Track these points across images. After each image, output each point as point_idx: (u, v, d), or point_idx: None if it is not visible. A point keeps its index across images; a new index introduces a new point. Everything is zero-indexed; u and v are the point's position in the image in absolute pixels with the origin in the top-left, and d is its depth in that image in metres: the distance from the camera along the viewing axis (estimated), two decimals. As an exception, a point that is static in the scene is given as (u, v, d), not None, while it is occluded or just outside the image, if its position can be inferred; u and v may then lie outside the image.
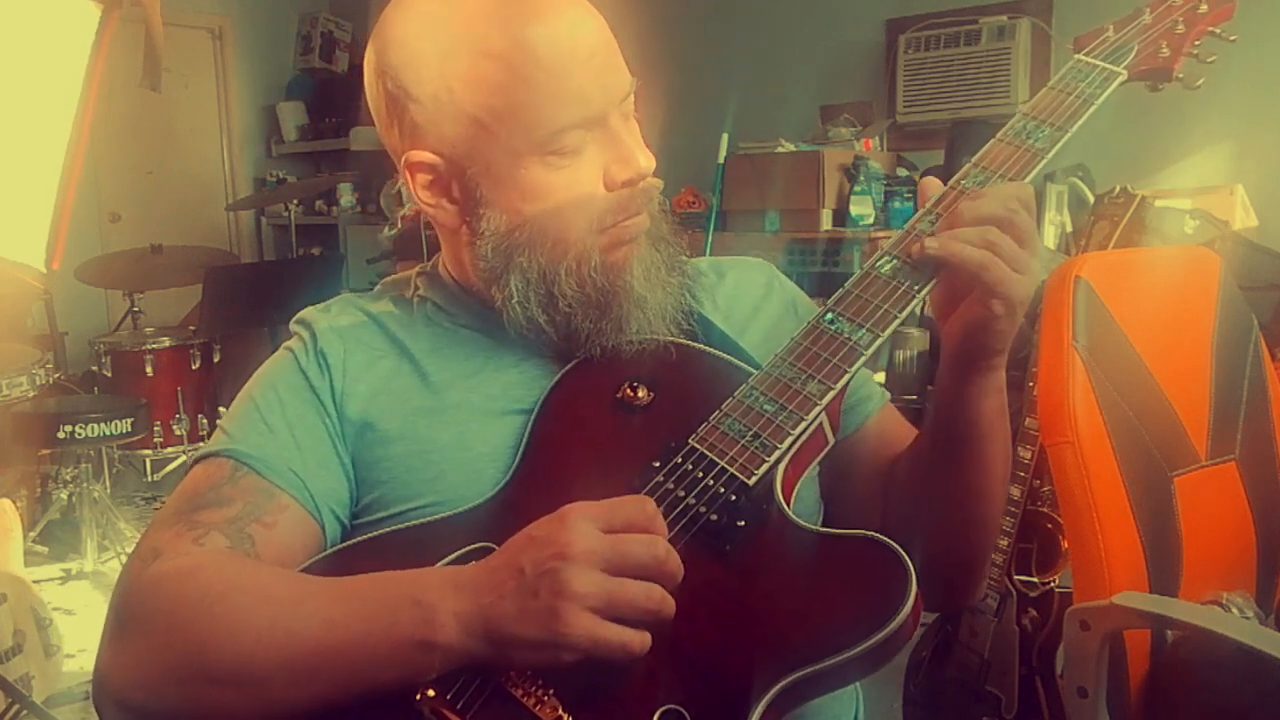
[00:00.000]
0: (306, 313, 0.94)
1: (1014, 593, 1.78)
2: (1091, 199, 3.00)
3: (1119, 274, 1.43)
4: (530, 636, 0.65)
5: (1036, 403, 1.40)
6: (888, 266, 0.83)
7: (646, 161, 0.86)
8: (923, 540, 0.86)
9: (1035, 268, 0.79)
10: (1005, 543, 1.77)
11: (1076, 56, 0.93)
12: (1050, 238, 3.13)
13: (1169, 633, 1.36)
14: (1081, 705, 1.25)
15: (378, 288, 1.00)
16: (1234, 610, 1.37)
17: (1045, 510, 1.78)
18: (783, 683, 0.67)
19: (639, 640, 0.65)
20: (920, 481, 0.89)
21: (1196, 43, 0.95)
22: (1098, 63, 0.92)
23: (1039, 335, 1.37)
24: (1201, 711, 1.30)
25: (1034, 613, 1.76)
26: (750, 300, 1.01)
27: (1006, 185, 0.83)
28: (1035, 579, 1.78)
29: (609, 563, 0.65)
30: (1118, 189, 1.87)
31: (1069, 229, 3.16)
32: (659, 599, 0.66)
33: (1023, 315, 0.79)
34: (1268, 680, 1.15)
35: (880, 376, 3.32)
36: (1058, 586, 1.75)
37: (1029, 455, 1.74)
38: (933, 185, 0.86)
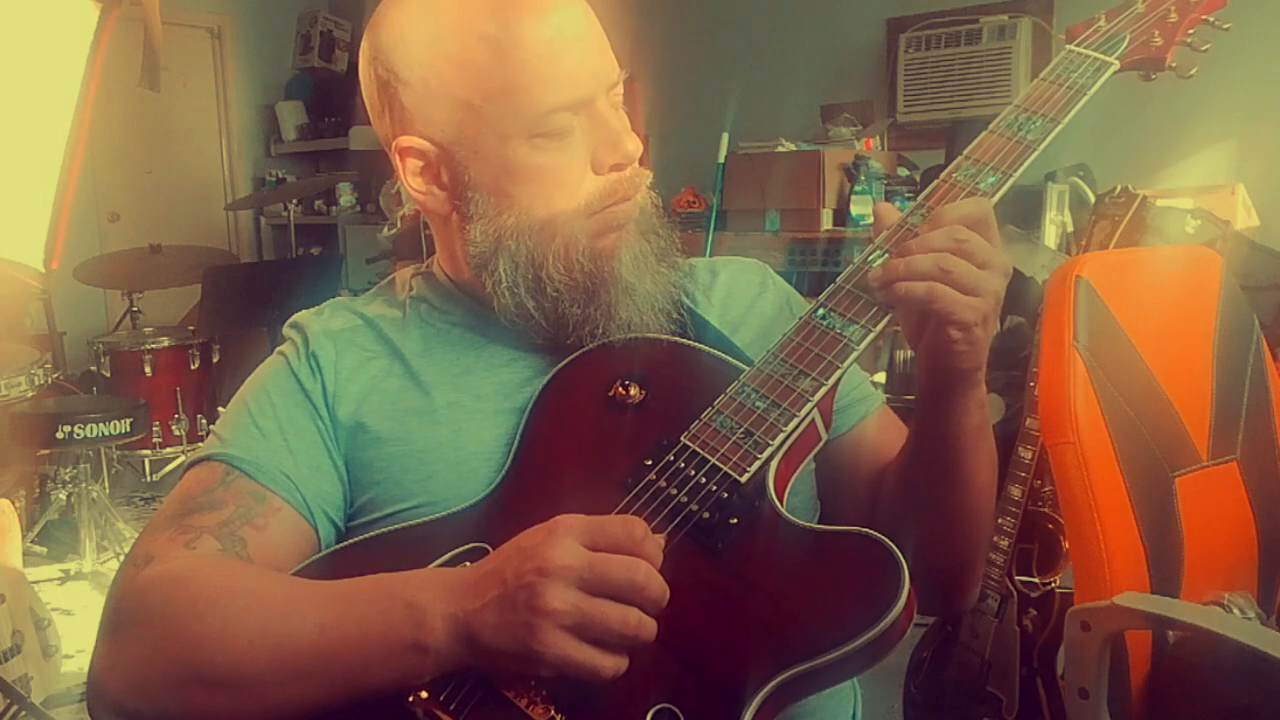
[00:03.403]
0: (299, 316, 0.95)
1: (1015, 593, 1.77)
2: (1092, 198, 2.99)
3: (1120, 274, 1.42)
4: (506, 648, 0.65)
5: (1037, 403, 1.39)
6: (879, 261, 0.82)
7: (634, 146, 0.86)
8: (911, 549, 0.86)
9: (994, 284, 0.77)
10: (1006, 543, 1.76)
11: (1068, 47, 0.93)
12: (1051, 237, 3.12)
13: (1170, 633, 1.36)
14: (1082, 706, 1.24)
15: (372, 290, 1.00)
16: (1235, 611, 1.37)
17: (1046, 510, 1.77)
18: (776, 680, 0.67)
19: (610, 664, 0.65)
20: (905, 494, 0.88)
21: (1189, 31, 0.95)
22: (1090, 53, 0.92)
23: (1040, 335, 1.37)
24: (1203, 712, 1.29)
25: (1035, 613, 1.76)
26: (745, 298, 1.01)
27: (959, 205, 0.80)
28: (1036, 579, 1.77)
29: (585, 581, 0.65)
30: (1119, 189, 1.87)
31: (1070, 229, 3.15)
32: (635, 624, 0.65)
33: (988, 333, 0.78)
34: (1269, 681, 1.15)
35: (880, 376, 3.32)
36: (1059, 587, 1.74)
37: (1029, 455, 1.73)
38: (887, 213, 0.84)
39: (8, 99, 2.50)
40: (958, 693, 1.83)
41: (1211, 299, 1.50)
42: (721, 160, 3.80)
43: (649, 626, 0.66)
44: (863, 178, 3.53)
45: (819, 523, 0.93)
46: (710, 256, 1.08)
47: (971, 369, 0.80)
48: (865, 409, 0.98)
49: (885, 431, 0.98)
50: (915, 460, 0.87)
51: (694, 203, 3.91)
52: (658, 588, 0.66)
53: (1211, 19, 0.96)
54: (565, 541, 0.66)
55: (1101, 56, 0.91)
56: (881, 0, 4.01)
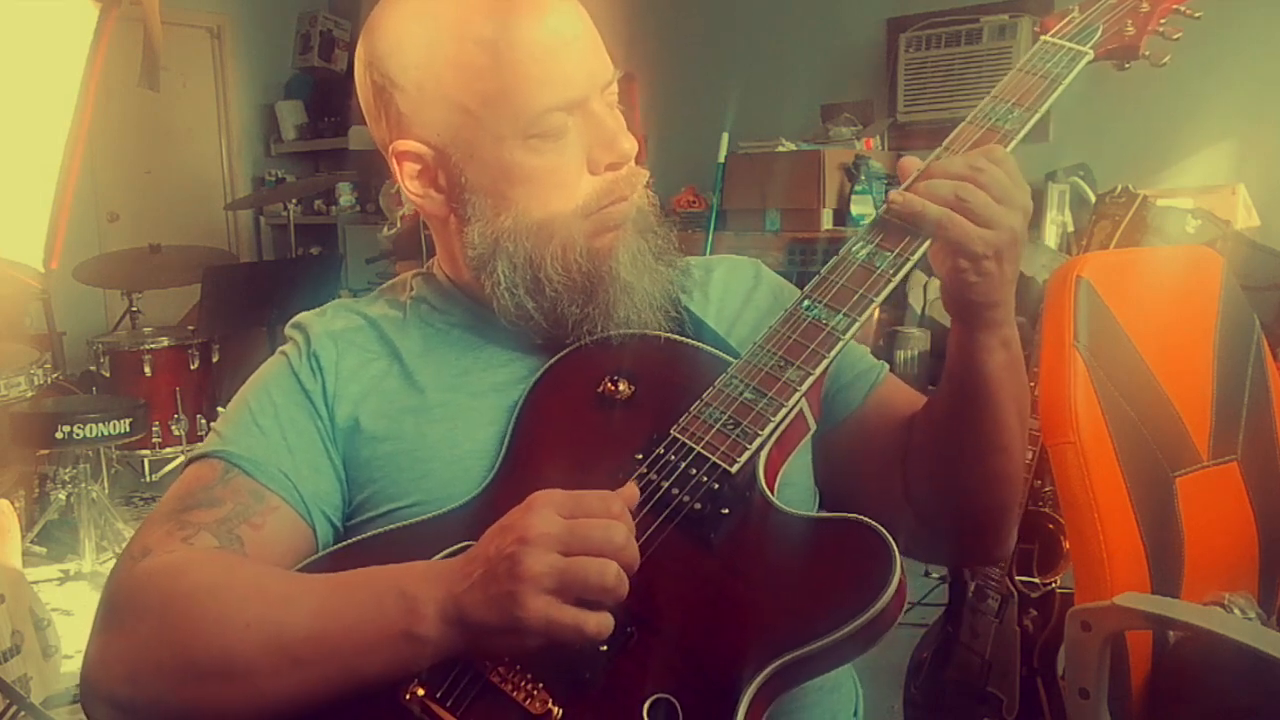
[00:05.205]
0: (301, 317, 0.95)
1: (1015, 593, 1.77)
2: (1093, 198, 2.99)
3: (1121, 274, 1.42)
4: (493, 621, 0.66)
5: (1037, 403, 1.39)
6: (863, 251, 0.83)
7: (629, 145, 0.86)
8: (948, 496, 0.88)
9: (1012, 222, 0.78)
10: (1006, 543, 1.76)
11: (1043, 38, 0.94)
12: (1052, 237, 3.13)
13: (1171, 634, 1.36)
14: (1083, 706, 1.24)
15: (375, 291, 1.01)
16: (1236, 611, 1.37)
17: (1046, 511, 1.77)
18: (771, 667, 0.67)
19: (594, 621, 0.65)
20: (936, 439, 0.89)
21: (1161, 20, 0.97)
22: (1064, 43, 0.93)
23: (1040, 335, 1.37)
24: (1203, 713, 1.29)
25: (1035, 613, 1.75)
26: (740, 294, 1.02)
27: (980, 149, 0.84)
28: (1036, 580, 1.77)
29: (566, 546, 0.65)
30: (1119, 188, 1.87)
31: (1070, 228, 3.15)
32: (614, 574, 0.65)
33: (1001, 268, 0.80)
34: (1270, 681, 1.15)
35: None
36: (1059, 587, 1.74)
37: (1030, 455, 1.73)
38: (911, 164, 0.86)
39: (8, 99, 2.51)
40: (958, 693, 1.83)
41: (1212, 299, 1.50)
42: (721, 160, 3.80)
43: (625, 583, 0.66)
44: (863, 177, 3.53)
45: (843, 498, 0.95)
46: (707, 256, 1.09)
47: (984, 304, 0.81)
48: (873, 378, 0.99)
49: (898, 396, 0.99)
50: (945, 402, 0.88)
51: (694, 202, 3.91)
52: (634, 551, 0.67)
53: (1182, 8, 0.98)
54: (543, 512, 0.67)
55: (1075, 46, 0.92)
56: (881, 0, 4.01)
